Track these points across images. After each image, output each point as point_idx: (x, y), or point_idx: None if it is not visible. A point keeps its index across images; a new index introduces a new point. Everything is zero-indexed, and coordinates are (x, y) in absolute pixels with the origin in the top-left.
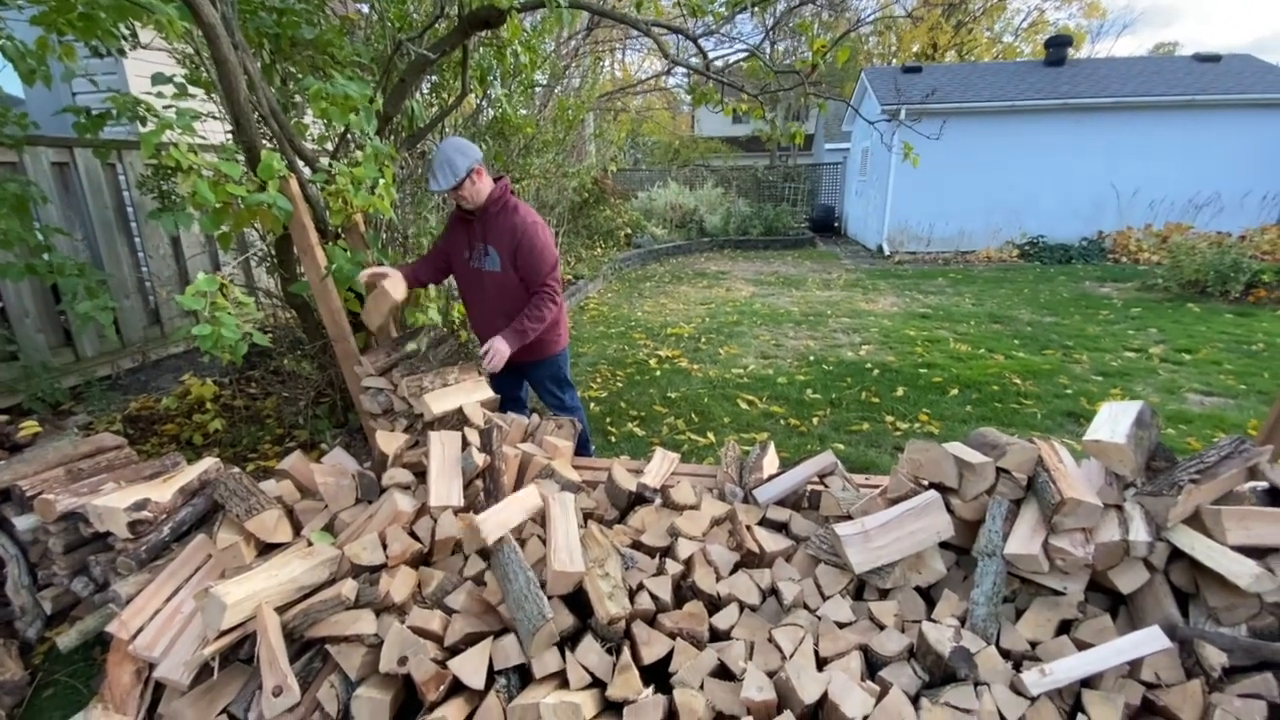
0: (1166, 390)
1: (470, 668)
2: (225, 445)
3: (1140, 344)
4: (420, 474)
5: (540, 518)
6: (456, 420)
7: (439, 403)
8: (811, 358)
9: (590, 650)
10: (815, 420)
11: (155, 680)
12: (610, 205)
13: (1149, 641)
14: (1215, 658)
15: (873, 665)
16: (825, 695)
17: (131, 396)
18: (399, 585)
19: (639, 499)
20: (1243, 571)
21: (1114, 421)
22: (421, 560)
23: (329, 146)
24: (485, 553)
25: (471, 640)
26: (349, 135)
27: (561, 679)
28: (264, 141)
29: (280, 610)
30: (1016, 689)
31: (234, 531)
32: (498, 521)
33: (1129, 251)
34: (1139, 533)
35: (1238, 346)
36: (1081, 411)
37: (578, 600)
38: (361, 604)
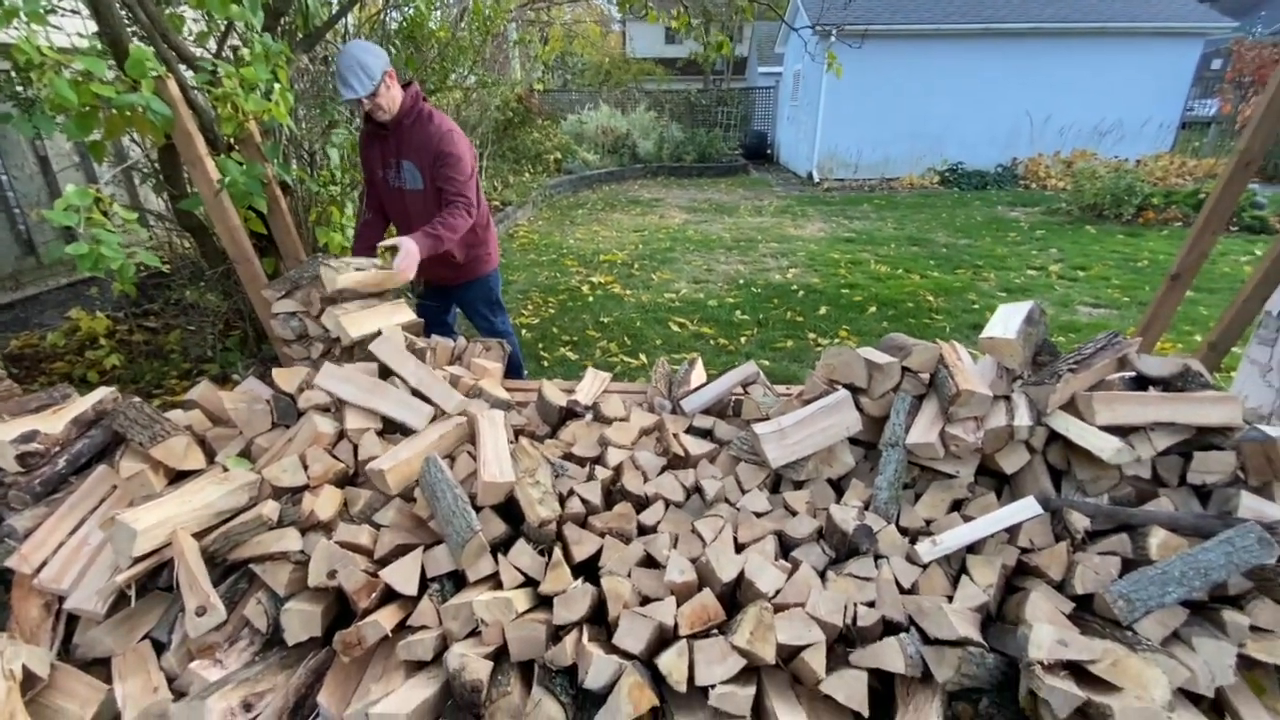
0: (1061, 304)
1: (402, 576)
2: (125, 382)
3: (1041, 263)
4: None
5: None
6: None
7: (357, 326)
8: (741, 281)
9: (523, 553)
10: (743, 340)
11: (68, 612)
12: (537, 127)
13: (1024, 510)
14: (1079, 522)
15: (786, 547)
16: (742, 574)
17: (11, 334)
18: (324, 504)
19: (570, 415)
20: (1107, 446)
21: (1007, 320)
22: (347, 480)
23: (211, 46)
24: None
25: (402, 553)
26: (234, 32)
27: (495, 581)
28: (133, 40)
29: (199, 536)
30: (911, 559)
31: (139, 460)
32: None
33: (1039, 177)
34: (1022, 418)
35: (1125, 264)
36: (985, 324)
37: (510, 510)
38: (285, 524)
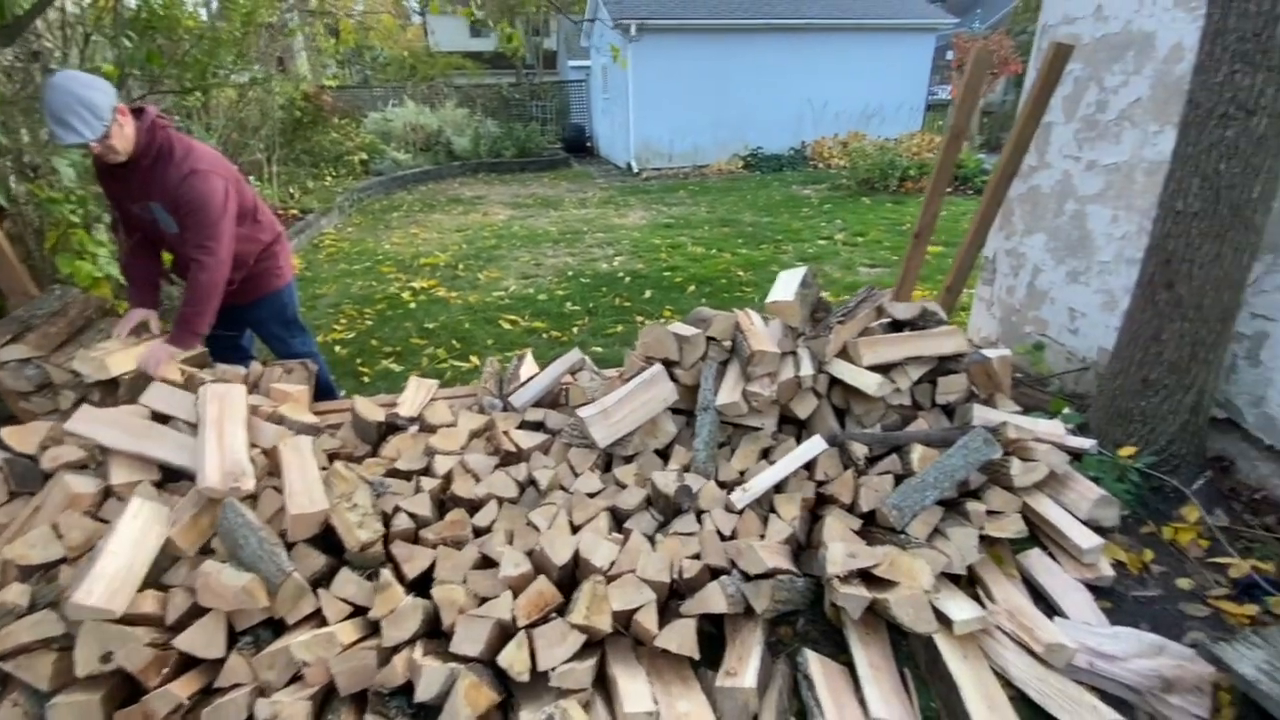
0: (846, 266)
1: (203, 640)
2: None
3: (829, 233)
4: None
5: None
6: (145, 382)
7: (118, 362)
8: (570, 273)
9: (348, 582)
10: (575, 330)
11: None
12: (334, 126)
13: (812, 448)
14: (859, 450)
15: (620, 520)
16: (578, 554)
17: None
18: None
19: (392, 429)
20: (871, 382)
21: (786, 285)
22: None
23: None
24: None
25: (202, 611)
26: None
27: (323, 618)
28: None
29: None
30: (729, 509)
31: None
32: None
33: (824, 158)
34: (806, 369)
35: (893, 228)
36: None
37: (332, 540)
38: (40, 607)
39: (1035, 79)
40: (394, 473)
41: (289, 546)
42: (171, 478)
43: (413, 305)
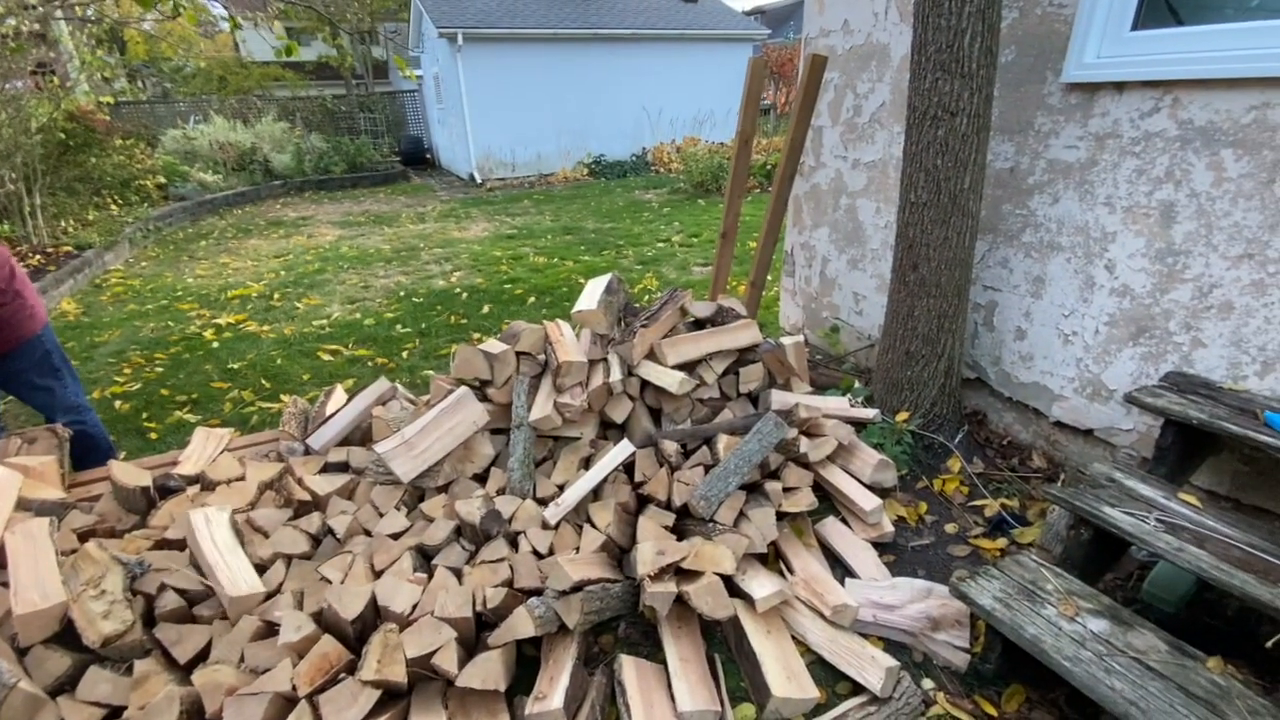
0: (681, 267)
1: None
2: None
3: (667, 235)
4: None
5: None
6: None
7: None
8: (402, 293)
9: (99, 681)
10: (405, 354)
11: None
12: (116, 148)
13: (621, 452)
14: (670, 447)
15: (430, 556)
16: (376, 603)
17: None
18: None
19: (167, 492)
20: (672, 381)
21: (591, 294)
22: None
23: None
24: None
25: None
26: None
27: None
28: None
29: None
30: (546, 525)
31: None
32: None
33: (664, 163)
34: (615, 374)
35: None
36: None
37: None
38: None
39: (799, 87)
40: (164, 543)
41: (24, 651)
42: None
43: (215, 345)
